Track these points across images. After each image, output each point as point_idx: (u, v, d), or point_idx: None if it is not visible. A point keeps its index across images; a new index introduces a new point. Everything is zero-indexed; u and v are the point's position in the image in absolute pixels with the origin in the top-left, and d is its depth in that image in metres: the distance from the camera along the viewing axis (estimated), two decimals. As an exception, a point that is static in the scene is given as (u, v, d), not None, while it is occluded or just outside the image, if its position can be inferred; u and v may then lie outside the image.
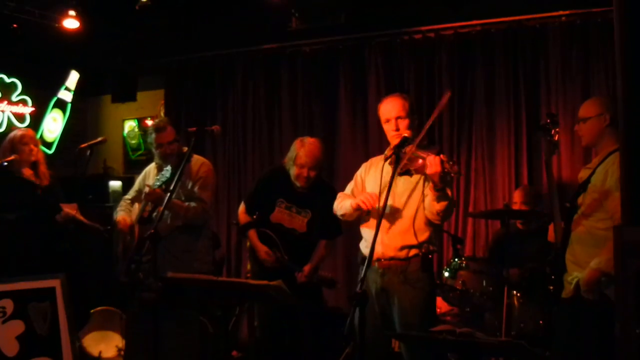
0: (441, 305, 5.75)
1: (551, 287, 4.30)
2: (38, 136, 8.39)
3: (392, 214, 4.20)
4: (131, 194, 5.61)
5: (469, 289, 5.43)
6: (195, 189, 5.27)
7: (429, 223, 4.21)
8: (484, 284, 5.42)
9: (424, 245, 4.19)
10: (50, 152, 8.68)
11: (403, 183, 4.18)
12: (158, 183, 4.83)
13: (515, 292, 5.38)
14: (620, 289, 3.70)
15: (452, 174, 3.83)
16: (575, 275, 3.99)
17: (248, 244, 5.88)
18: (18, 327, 3.10)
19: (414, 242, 4.18)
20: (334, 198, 4.68)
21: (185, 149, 5.17)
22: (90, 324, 6.66)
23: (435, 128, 6.95)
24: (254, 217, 5.47)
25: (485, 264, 5.55)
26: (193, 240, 5.31)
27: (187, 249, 5.27)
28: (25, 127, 8.19)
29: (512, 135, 6.66)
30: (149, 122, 8.33)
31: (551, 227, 4.28)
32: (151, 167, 5.56)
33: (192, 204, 5.22)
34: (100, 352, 6.47)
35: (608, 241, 3.92)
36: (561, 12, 6.50)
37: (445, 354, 4.86)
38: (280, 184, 5.43)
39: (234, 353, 6.49)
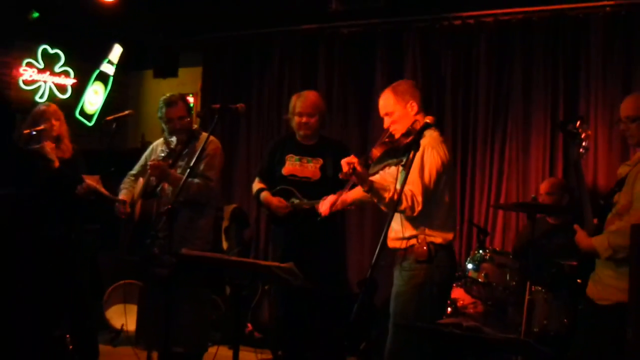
0: (463, 297, 5.65)
1: (579, 281, 4.17)
2: (79, 108, 8.53)
3: None
4: (136, 169, 5.61)
5: (491, 282, 5.33)
6: (202, 166, 5.24)
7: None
8: (508, 277, 5.33)
9: (418, 237, 4.04)
10: (90, 124, 8.73)
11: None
12: (163, 155, 4.81)
13: (540, 288, 5.25)
14: (634, 291, 3.59)
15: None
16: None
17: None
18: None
19: (400, 235, 4.09)
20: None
21: (196, 126, 5.24)
22: (113, 297, 6.75)
23: (471, 115, 6.86)
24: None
25: (509, 258, 5.44)
26: (196, 217, 5.29)
27: (189, 226, 5.25)
28: (66, 98, 8.29)
29: (549, 127, 6.50)
30: (190, 99, 8.33)
31: None
32: (158, 142, 5.54)
33: (196, 180, 5.19)
34: (122, 325, 6.55)
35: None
36: (606, 2, 6.28)
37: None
38: (287, 143, 5.52)
39: (255, 334, 6.49)
